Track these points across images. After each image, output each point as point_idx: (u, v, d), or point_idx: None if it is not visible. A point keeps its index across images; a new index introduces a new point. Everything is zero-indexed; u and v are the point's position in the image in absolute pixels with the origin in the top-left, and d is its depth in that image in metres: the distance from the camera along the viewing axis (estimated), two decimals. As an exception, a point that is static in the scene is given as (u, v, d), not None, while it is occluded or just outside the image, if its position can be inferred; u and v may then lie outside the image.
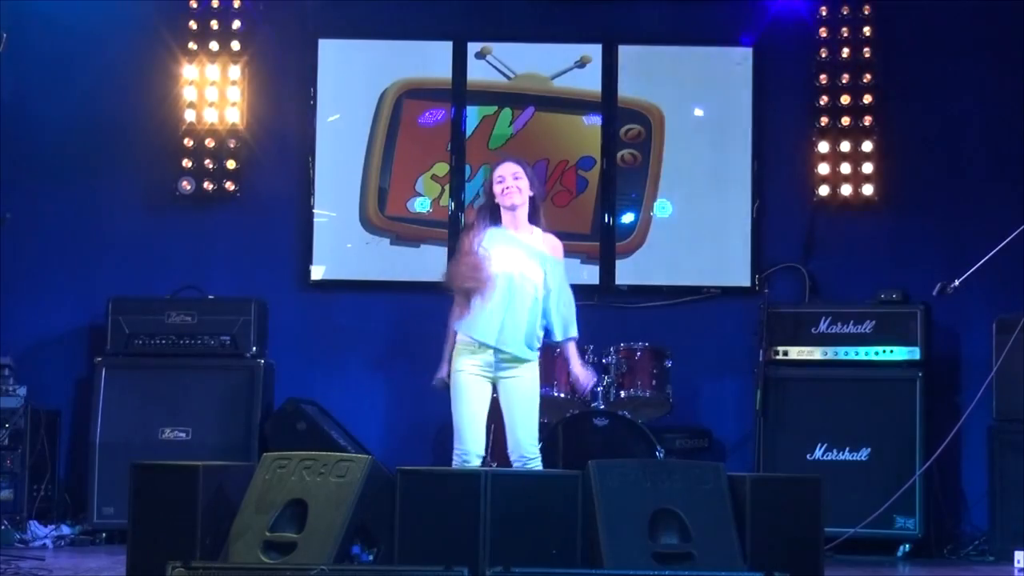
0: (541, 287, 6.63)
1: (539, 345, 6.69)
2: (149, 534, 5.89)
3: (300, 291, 9.41)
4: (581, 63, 9.46)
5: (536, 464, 6.58)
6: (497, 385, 6.61)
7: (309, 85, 9.48)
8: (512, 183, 6.64)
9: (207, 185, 9.40)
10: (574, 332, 6.75)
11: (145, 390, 8.67)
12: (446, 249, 9.28)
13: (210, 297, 8.94)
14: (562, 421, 7.94)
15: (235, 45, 9.47)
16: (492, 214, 6.69)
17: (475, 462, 6.51)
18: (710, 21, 9.39)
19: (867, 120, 9.25)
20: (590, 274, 9.29)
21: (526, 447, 6.57)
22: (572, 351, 6.79)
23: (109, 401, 8.65)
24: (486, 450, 6.86)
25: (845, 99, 9.25)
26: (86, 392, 8.87)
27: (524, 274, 6.59)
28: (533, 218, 6.72)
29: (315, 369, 9.27)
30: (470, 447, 6.52)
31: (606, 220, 9.35)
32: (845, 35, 9.28)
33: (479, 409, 6.57)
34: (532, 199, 6.69)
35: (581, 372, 6.80)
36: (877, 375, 8.59)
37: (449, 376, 6.67)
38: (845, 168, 9.25)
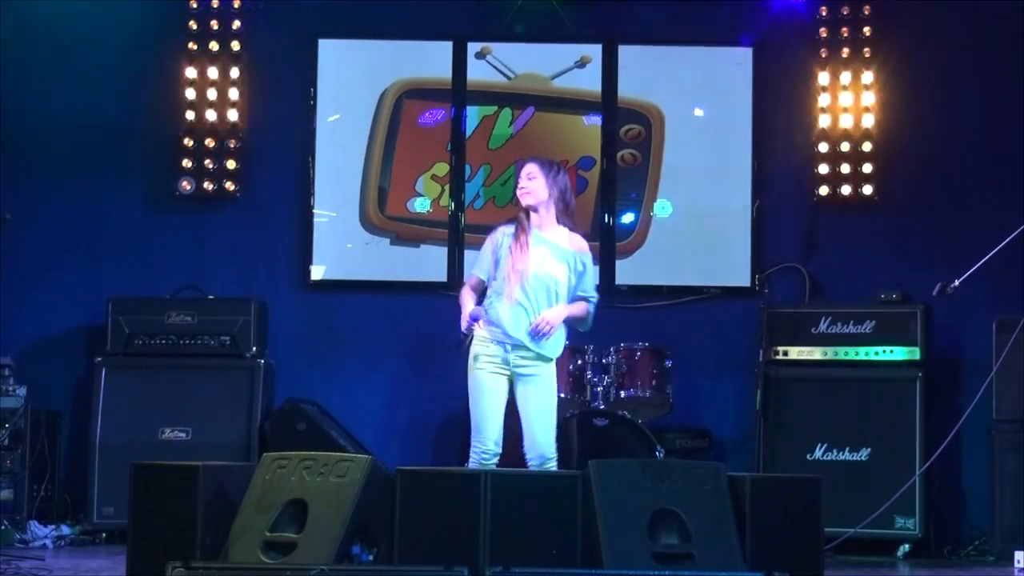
0: (565, 284, 6.63)
1: (559, 349, 6.68)
2: (149, 534, 5.89)
3: (300, 291, 9.41)
4: (581, 63, 9.46)
5: (553, 464, 6.56)
6: (514, 382, 6.59)
7: (309, 85, 9.48)
8: (525, 183, 6.66)
9: (207, 185, 9.39)
10: (589, 295, 6.70)
11: (145, 390, 8.67)
12: (446, 249, 9.29)
13: (210, 297, 8.95)
14: (562, 421, 7.93)
15: (235, 45, 9.47)
16: (526, 216, 6.69)
17: (493, 460, 6.50)
18: (710, 21, 9.39)
19: (867, 120, 9.25)
20: (590, 274, 9.28)
21: (544, 447, 6.55)
22: (573, 305, 6.66)
23: (109, 401, 8.66)
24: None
25: (845, 99, 9.26)
26: (86, 392, 8.86)
27: (547, 272, 6.59)
28: (561, 218, 6.70)
29: (315, 369, 9.26)
30: (489, 444, 6.52)
31: (606, 220, 9.35)
32: (845, 35, 9.28)
33: (497, 405, 6.56)
34: (558, 199, 6.67)
35: (548, 315, 6.53)
36: (877, 375, 8.59)
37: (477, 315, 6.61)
38: (845, 168, 9.25)
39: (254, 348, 8.76)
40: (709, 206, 9.37)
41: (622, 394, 8.30)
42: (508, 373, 6.59)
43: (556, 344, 6.65)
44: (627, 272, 9.32)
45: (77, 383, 9.18)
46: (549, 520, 5.80)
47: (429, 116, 9.49)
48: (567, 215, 6.71)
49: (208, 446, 8.37)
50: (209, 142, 9.41)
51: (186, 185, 9.35)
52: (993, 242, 7.66)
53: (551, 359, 6.64)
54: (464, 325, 6.59)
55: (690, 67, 9.46)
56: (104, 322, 8.82)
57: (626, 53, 9.44)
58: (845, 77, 9.27)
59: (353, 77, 9.51)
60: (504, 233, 6.71)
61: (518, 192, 6.70)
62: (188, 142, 9.40)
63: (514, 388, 6.61)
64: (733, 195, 9.35)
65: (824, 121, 9.27)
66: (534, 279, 6.56)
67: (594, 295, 6.77)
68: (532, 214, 6.68)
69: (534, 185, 6.65)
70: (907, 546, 8.41)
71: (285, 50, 9.53)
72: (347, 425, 8.78)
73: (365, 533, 5.77)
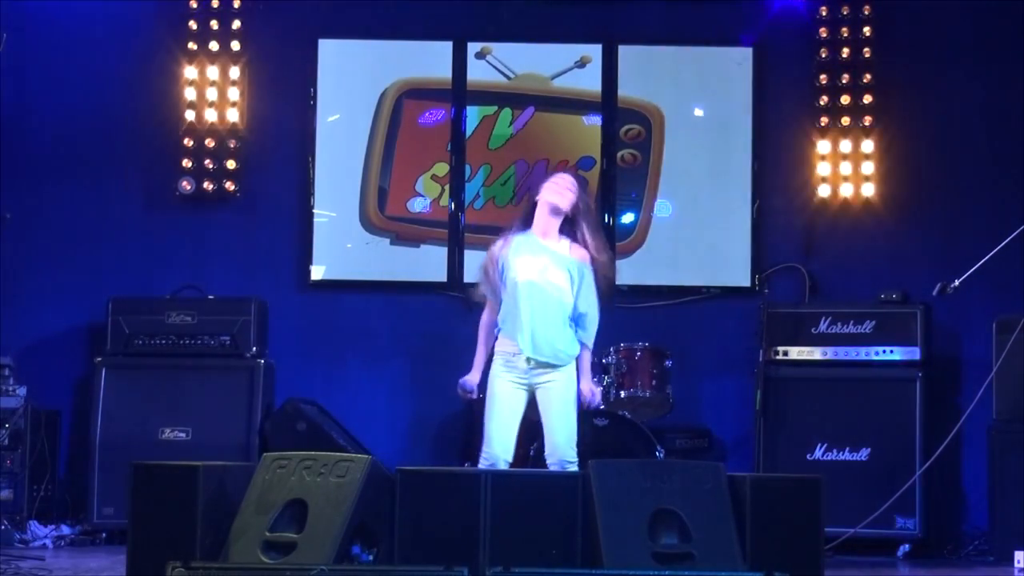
0: (569, 293, 6.59)
1: (575, 351, 6.63)
2: (149, 534, 5.88)
3: (300, 291, 9.41)
4: (581, 63, 9.46)
5: (574, 468, 6.48)
6: (535, 392, 6.57)
7: (309, 85, 9.48)
8: (568, 188, 6.65)
9: (207, 185, 9.40)
10: (588, 343, 6.68)
11: (145, 390, 8.68)
12: (446, 249, 9.30)
13: (210, 297, 8.95)
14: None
15: (235, 45, 9.47)
16: (525, 220, 6.69)
17: (501, 467, 6.46)
18: (710, 21, 9.39)
19: (867, 120, 9.25)
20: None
21: (565, 451, 6.51)
22: (583, 362, 6.69)
23: (109, 401, 8.66)
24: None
25: (845, 99, 9.25)
26: (86, 392, 8.87)
27: (550, 280, 6.56)
28: (566, 230, 6.66)
29: (315, 369, 9.27)
30: (498, 452, 6.48)
31: (606, 220, 9.34)
32: (845, 35, 9.28)
33: (511, 415, 6.53)
34: (571, 213, 6.65)
35: (586, 387, 6.69)
36: (877, 375, 8.60)
37: (482, 385, 6.64)
38: (845, 168, 9.25)
39: (254, 348, 8.77)
40: (709, 206, 9.38)
41: (622, 394, 8.30)
42: (527, 385, 6.56)
43: (568, 349, 6.61)
44: (627, 272, 9.29)
45: (77, 383, 9.18)
46: (549, 520, 5.80)
47: (429, 116, 9.49)
48: (573, 228, 6.64)
49: (208, 446, 8.37)
50: (209, 142, 9.41)
51: (186, 185, 9.36)
52: (993, 242, 7.66)
53: (566, 364, 6.61)
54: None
55: (690, 67, 9.46)
56: (104, 322, 8.83)
57: (626, 53, 9.44)
58: (845, 78, 9.27)
59: (353, 77, 9.51)
60: (501, 247, 6.66)
61: (553, 188, 6.64)
62: (188, 142, 9.40)
63: (534, 398, 6.58)
64: (733, 195, 9.36)
65: (823, 121, 9.27)
66: (538, 288, 6.54)
67: (590, 334, 6.65)
68: (539, 220, 6.66)
69: (571, 196, 6.63)
70: (907, 546, 8.41)
71: (285, 50, 9.53)
72: (347, 425, 8.79)
73: (365, 533, 5.77)
